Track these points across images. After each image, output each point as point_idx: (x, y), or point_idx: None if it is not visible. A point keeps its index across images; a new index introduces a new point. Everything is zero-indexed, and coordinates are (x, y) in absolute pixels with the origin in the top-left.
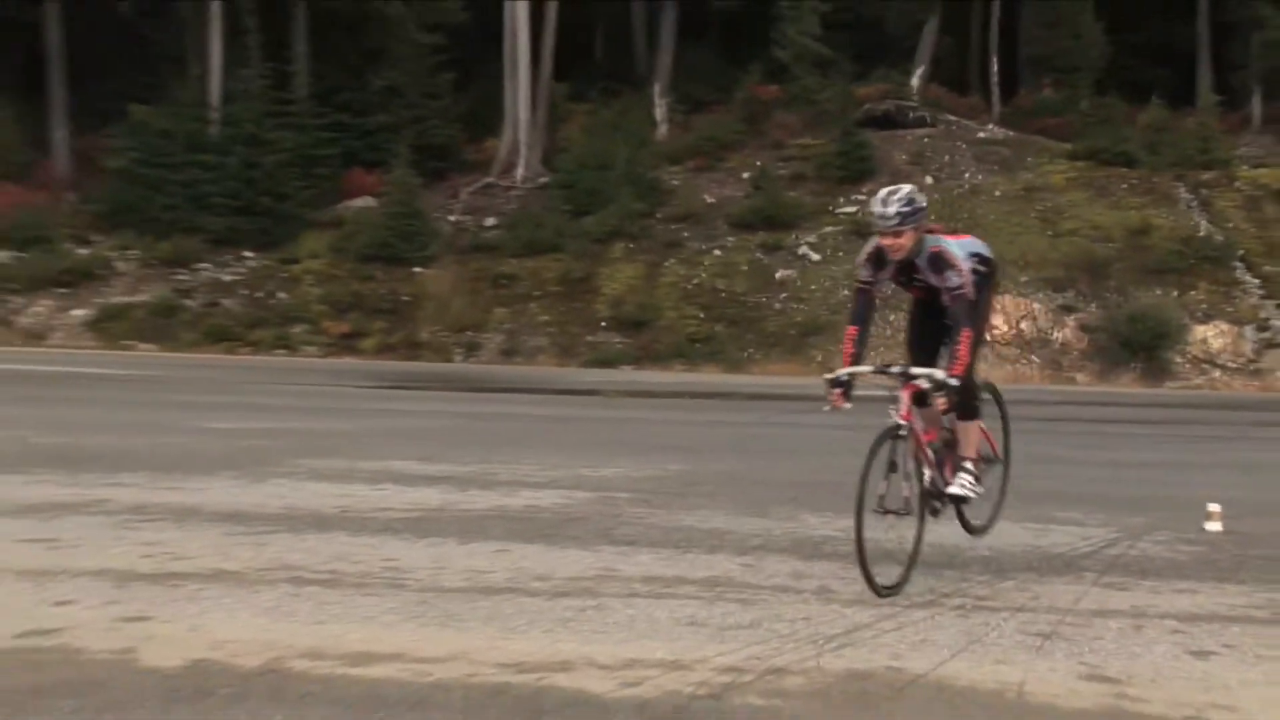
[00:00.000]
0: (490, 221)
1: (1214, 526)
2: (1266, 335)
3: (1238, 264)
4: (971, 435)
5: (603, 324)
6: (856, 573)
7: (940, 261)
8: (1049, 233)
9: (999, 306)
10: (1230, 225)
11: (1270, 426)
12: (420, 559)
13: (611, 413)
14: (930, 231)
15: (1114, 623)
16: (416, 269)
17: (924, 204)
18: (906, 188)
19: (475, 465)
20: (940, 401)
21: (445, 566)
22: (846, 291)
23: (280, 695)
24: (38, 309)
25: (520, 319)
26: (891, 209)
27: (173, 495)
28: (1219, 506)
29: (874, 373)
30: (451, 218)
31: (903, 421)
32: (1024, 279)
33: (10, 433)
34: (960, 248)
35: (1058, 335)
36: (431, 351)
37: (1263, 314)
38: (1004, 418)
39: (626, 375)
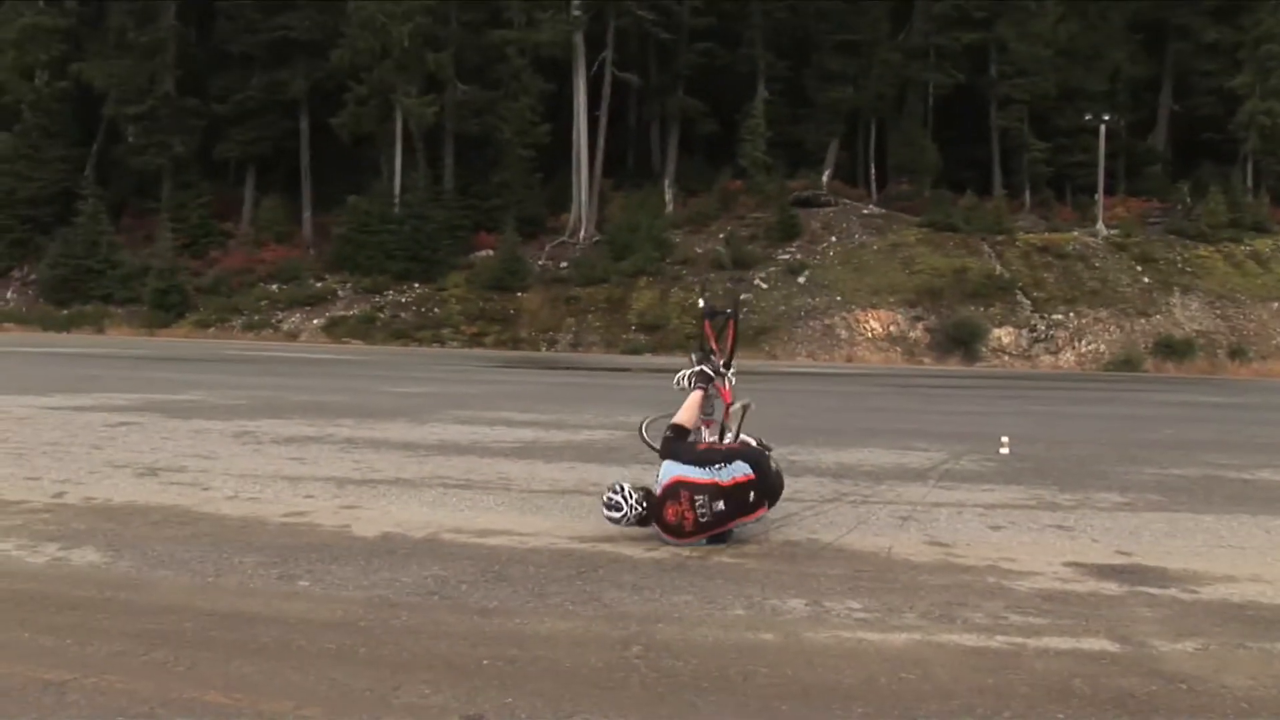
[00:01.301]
0: (563, 264)
1: (1004, 450)
2: (1035, 334)
3: (1018, 291)
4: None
5: (633, 327)
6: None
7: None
8: (906, 271)
9: (875, 319)
10: (1013, 268)
11: (1036, 390)
12: (520, 472)
13: (638, 382)
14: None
15: (945, 510)
16: (518, 294)
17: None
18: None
19: (553, 415)
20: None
21: (535, 477)
22: (783, 307)
23: (436, 553)
24: (293, 319)
25: (581, 324)
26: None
27: (370, 432)
28: (1008, 438)
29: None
30: (540, 262)
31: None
32: (891, 300)
33: (276, 393)
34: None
35: (911, 334)
36: (527, 345)
37: (1032, 322)
38: None
39: (647, 359)
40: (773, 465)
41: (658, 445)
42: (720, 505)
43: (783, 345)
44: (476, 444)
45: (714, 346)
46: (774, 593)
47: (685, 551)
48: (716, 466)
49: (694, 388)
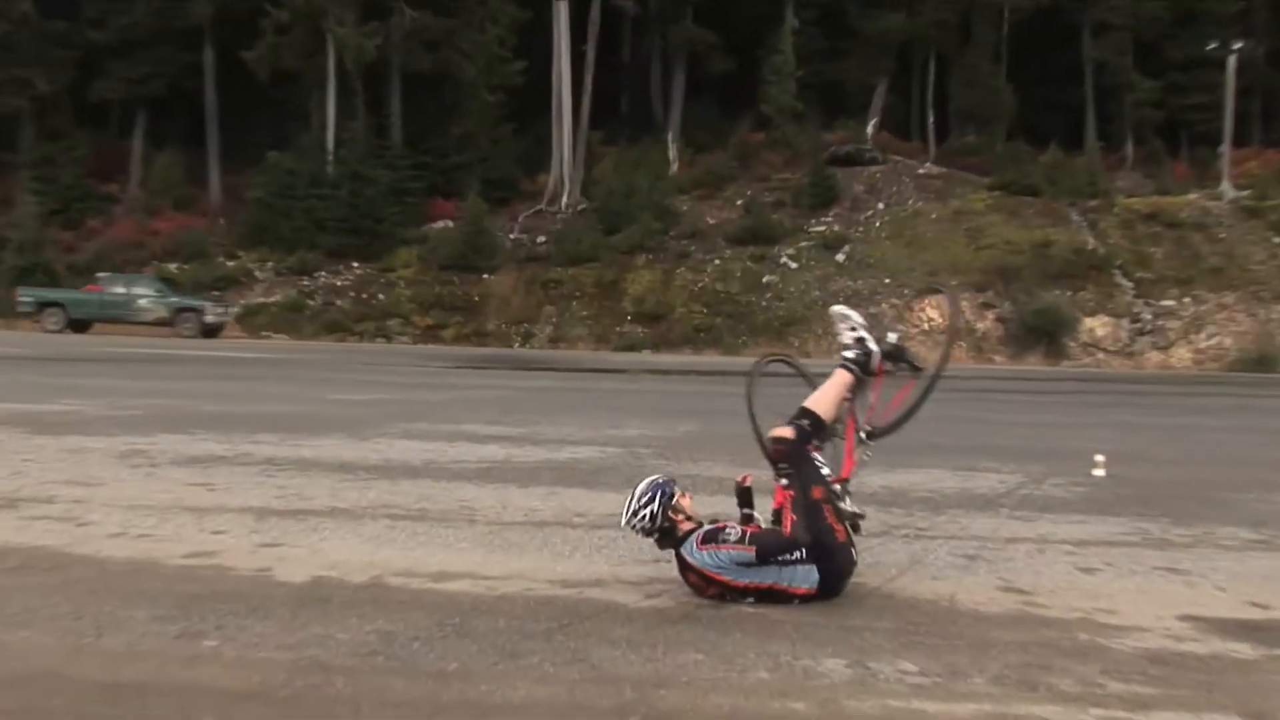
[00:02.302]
0: (541, 239)
1: (1099, 472)
2: (1137, 326)
3: (1116, 271)
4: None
5: (628, 317)
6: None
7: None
8: (973, 246)
9: (934, 306)
10: (1111, 241)
11: (1140, 395)
12: (488, 500)
13: (634, 386)
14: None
15: (1023, 547)
16: (485, 275)
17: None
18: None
19: (529, 427)
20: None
21: (507, 505)
22: (817, 292)
23: (381, 604)
24: None
25: (564, 314)
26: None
27: (297, 450)
28: (1103, 457)
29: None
30: (511, 236)
31: None
32: (954, 283)
33: (178, 402)
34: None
35: (980, 325)
36: (496, 339)
37: (1135, 309)
38: None
39: (646, 357)
40: (851, 557)
41: (769, 433)
42: (751, 600)
43: (816, 340)
44: (432, 464)
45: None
46: (806, 651)
47: (695, 599)
48: (784, 559)
49: (859, 360)
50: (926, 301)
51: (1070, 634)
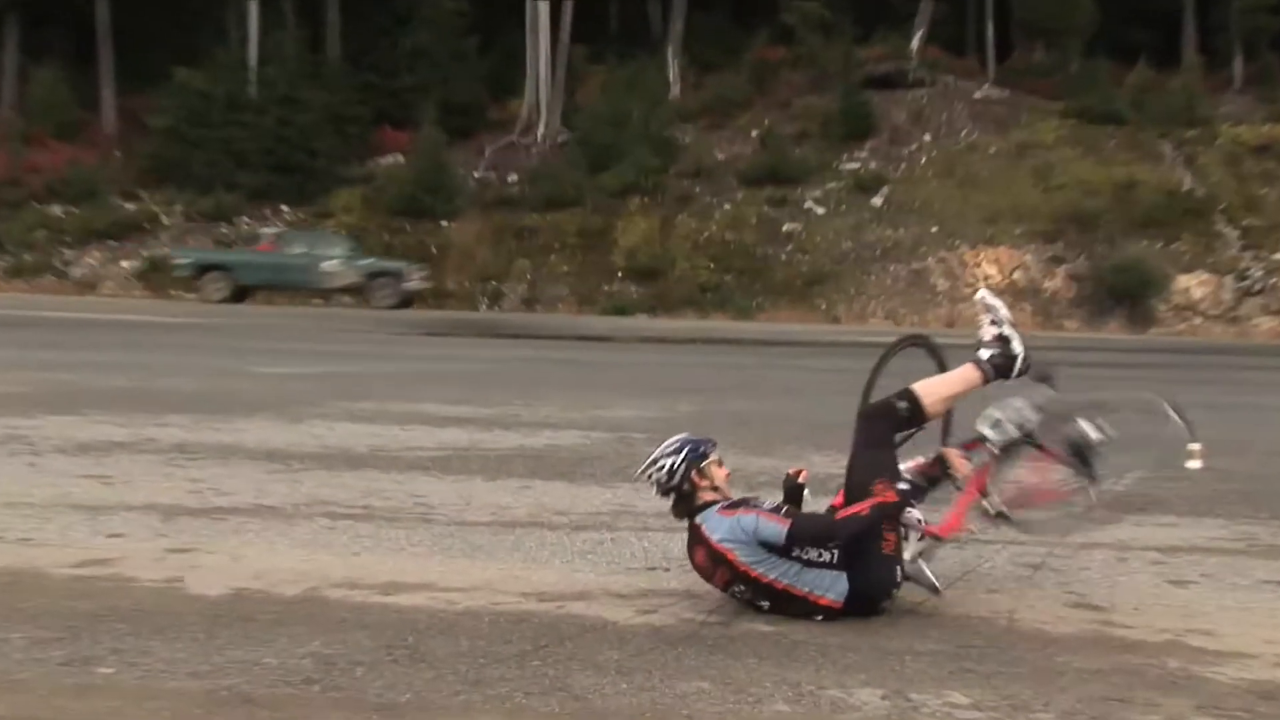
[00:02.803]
0: (513, 177)
1: (1194, 464)
2: (1245, 284)
3: (1219, 217)
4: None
5: (619, 274)
6: None
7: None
8: (1040, 187)
9: (993, 260)
10: (1212, 180)
11: (1246, 370)
12: (448, 495)
13: (626, 357)
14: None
15: (1099, 554)
16: (444, 222)
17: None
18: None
19: (499, 407)
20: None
21: (471, 502)
22: (849, 243)
23: (317, 622)
24: (89, 260)
25: (541, 269)
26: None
27: (215, 435)
28: (1199, 445)
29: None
30: (476, 174)
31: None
32: (1017, 231)
33: (65, 376)
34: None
35: (1048, 284)
36: (458, 300)
37: (1242, 264)
38: None
39: (641, 322)
40: (895, 576)
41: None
42: (765, 604)
43: (847, 301)
44: (380, 452)
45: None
46: (834, 679)
47: (700, 615)
48: (810, 557)
49: (996, 361)
50: (980, 255)
51: (1157, 661)
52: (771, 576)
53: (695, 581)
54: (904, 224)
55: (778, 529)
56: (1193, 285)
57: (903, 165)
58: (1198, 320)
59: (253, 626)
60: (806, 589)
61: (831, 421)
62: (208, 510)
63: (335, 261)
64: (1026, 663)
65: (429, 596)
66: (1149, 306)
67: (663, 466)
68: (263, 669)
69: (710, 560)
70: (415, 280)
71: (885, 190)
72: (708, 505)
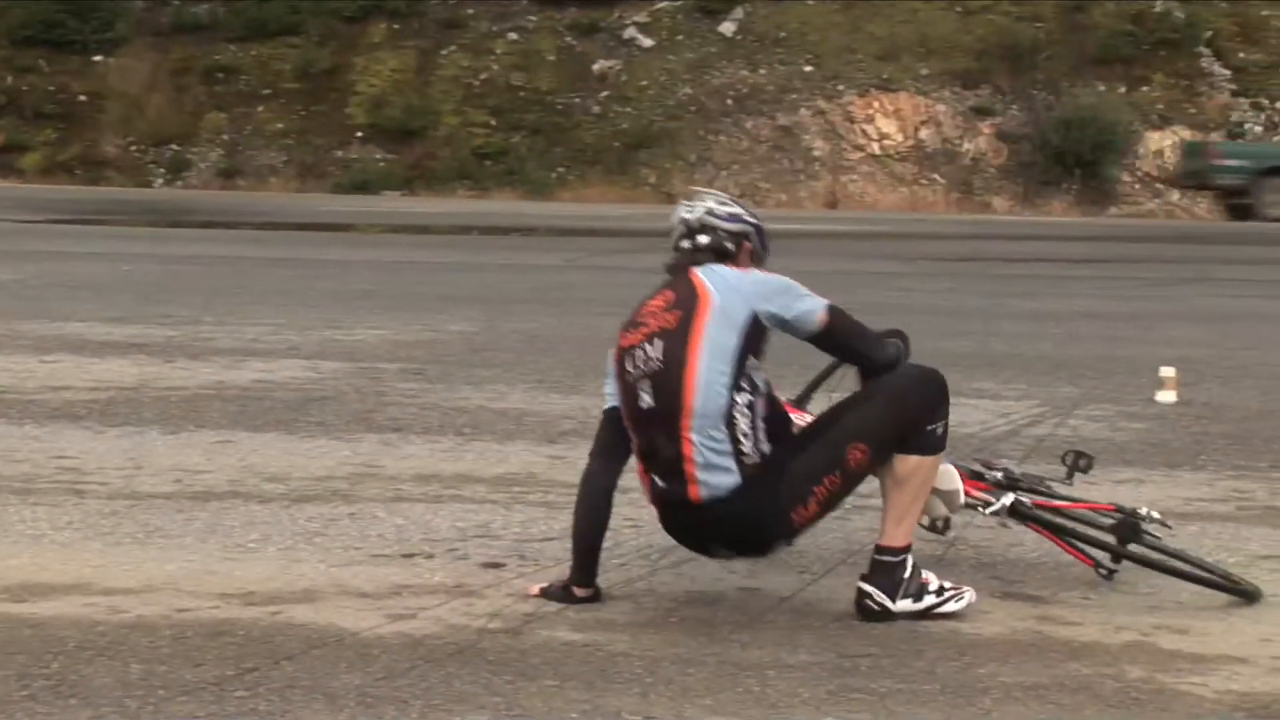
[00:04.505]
0: None
1: (1166, 397)
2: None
3: (1204, 50)
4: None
5: (358, 134)
6: None
7: None
8: (957, 9)
9: (891, 113)
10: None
11: (1242, 265)
12: (109, 455)
13: (371, 254)
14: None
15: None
16: (97, 57)
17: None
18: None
19: (184, 327)
20: None
21: (144, 465)
22: (688, 90)
23: None
24: None
25: (244, 128)
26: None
27: None
28: (1174, 370)
29: None
30: None
31: None
32: (925, 72)
33: None
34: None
35: (968, 146)
36: (120, 172)
37: (1234, 116)
38: None
39: (392, 203)
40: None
41: None
42: (645, 399)
43: (685, 172)
44: (4, 395)
45: None
46: (669, 704)
47: (478, 621)
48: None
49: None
50: (874, 105)
51: (1114, 670)
52: (700, 365)
53: (469, 571)
54: (766, 61)
55: (812, 304)
56: (1168, 147)
57: None
58: (1175, 195)
59: None
60: (710, 437)
61: None
62: None
63: None
64: (936, 677)
65: (83, 603)
66: (1108, 176)
67: (728, 205)
68: None
69: (676, 301)
70: None
71: (739, 12)
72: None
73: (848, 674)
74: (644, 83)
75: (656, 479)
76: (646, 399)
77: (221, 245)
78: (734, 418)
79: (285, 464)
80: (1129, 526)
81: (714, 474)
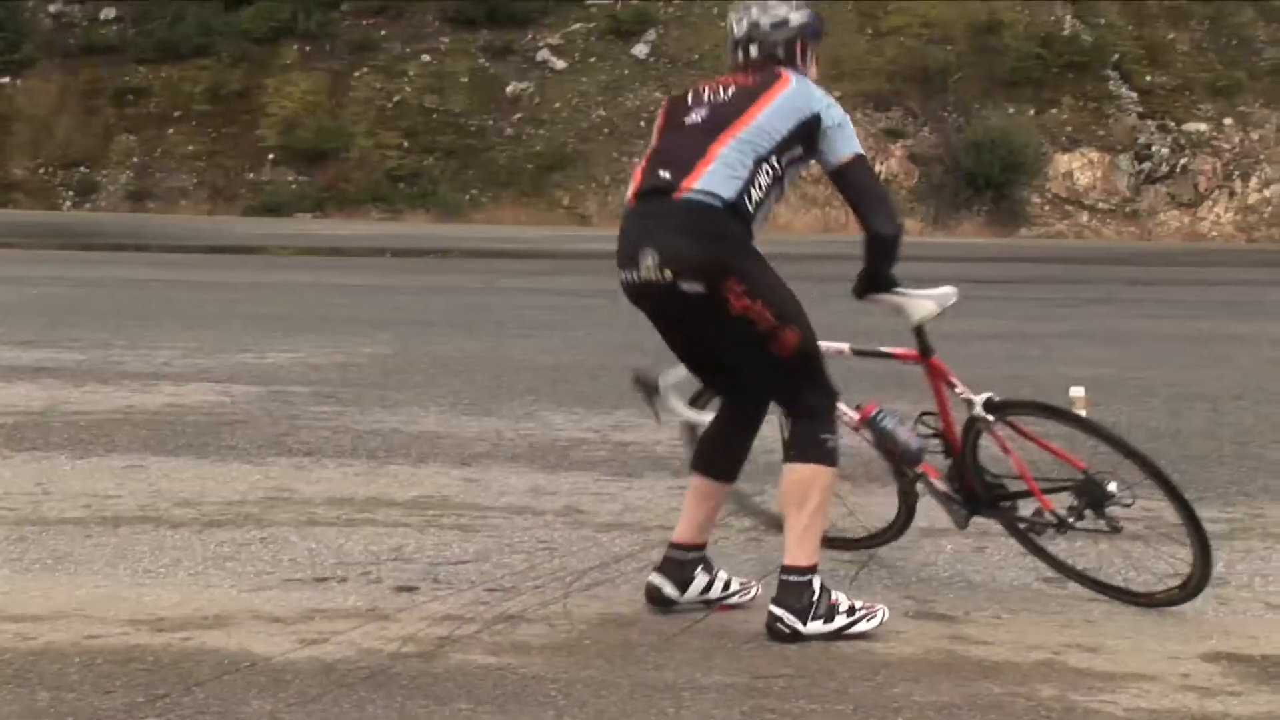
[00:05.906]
0: (110, 13)
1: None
2: (1147, 167)
3: (1111, 72)
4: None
5: (270, 156)
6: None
7: None
8: (868, 30)
9: None
10: (1102, 21)
11: (1150, 285)
12: (16, 480)
13: (284, 277)
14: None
15: (947, 543)
16: (4, 79)
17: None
18: None
19: (94, 351)
20: None
21: (52, 490)
22: (603, 112)
23: None
24: None
25: (155, 150)
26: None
27: None
28: (1082, 390)
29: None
30: (52, 6)
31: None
32: (837, 94)
33: None
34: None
35: (881, 169)
36: (29, 195)
37: (1142, 138)
38: None
39: (303, 226)
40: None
41: None
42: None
43: (600, 194)
44: None
45: None
46: None
47: (390, 645)
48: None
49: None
50: None
51: (1025, 689)
52: (766, 110)
53: (382, 595)
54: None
55: (855, 144)
56: (1076, 168)
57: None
58: (1084, 217)
59: None
60: (741, 153)
61: (580, 366)
62: None
63: None
64: (849, 697)
65: None
66: (1018, 198)
67: (772, 9)
68: None
69: (758, 77)
70: None
71: (652, 34)
72: None
73: (761, 695)
74: (557, 104)
75: (660, 170)
76: (696, 117)
77: (132, 268)
78: (759, 169)
79: (196, 488)
80: (1095, 489)
81: (716, 181)
